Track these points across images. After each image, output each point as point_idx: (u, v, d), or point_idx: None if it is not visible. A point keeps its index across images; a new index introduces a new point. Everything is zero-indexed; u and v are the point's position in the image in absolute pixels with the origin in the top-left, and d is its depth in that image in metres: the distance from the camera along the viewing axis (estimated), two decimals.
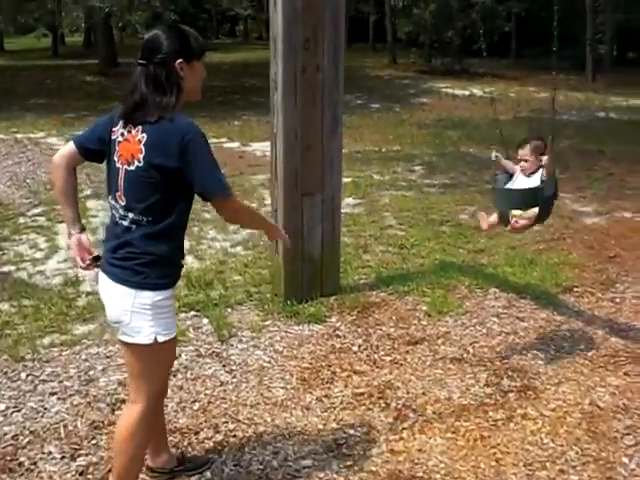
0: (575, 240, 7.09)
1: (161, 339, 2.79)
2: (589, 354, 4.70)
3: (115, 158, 2.76)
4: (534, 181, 4.42)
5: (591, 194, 9.08)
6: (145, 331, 2.76)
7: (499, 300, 5.51)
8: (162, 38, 2.70)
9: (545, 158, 4.41)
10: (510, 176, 4.59)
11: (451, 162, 11.14)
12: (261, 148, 12.17)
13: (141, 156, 2.64)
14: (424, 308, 5.31)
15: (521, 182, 4.50)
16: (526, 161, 4.48)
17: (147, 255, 2.72)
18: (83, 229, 2.98)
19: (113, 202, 2.80)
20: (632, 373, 4.46)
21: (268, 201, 8.53)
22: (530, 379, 4.34)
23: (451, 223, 7.69)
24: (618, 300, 5.61)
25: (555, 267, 6.21)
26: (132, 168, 2.68)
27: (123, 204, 2.73)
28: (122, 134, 2.73)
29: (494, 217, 4.63)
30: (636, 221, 7.85)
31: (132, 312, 2.74)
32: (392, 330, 4.95)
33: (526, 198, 4.37)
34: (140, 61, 2.72)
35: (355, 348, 4.68)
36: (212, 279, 5.79)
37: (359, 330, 4.94)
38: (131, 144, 2.68)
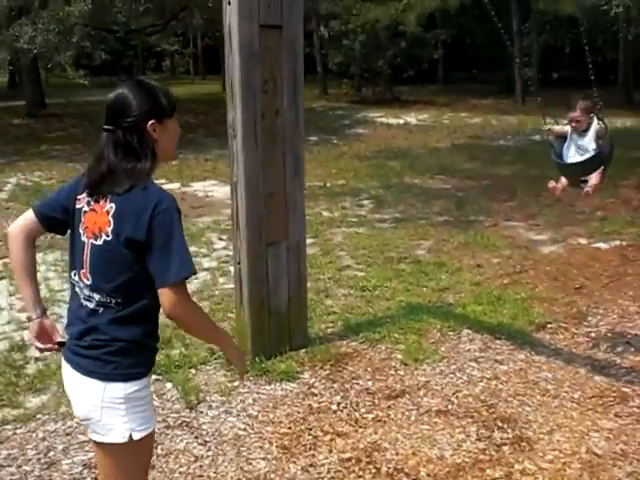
0: (538, 272, 6.98)
1: (137, 436, 2.41)
2: (575, 396, 4.53)
3: (80, 230, 2.43)
4: (588, 139, 4.69)
5: (544, 221, 9.03)
6: (119, 428, 2.38)
7: (474, 342, 5.31)
8: (130, 98, 2.38)
9: (596, 121, 4.71)
10: (564, 139, 4.84)
11: (398, 195, 11.01)
12: (202, 188, 11.88)
13: (109, 229, 2.33)
14: (399, 356, 5.06)
15: (576, 141, 4.77)
16: (578, 121, 4.71)
17: (117, 342, 2.36)
18: (45, 311, 2.59)
19: (77, 279, 2.45)
20: (622, 414, 4.30)
21: (217, 245, 8.28)
22: (521, 429, 4.13)
23: (409, 260, 7.50)
24: (593, 335, 5.48)
25: (524, 303, 6.05)
26: (99, 243, 2.36)
27: (89, 283, 2.40)
28: (88, 203, 2.41)
29: (563, 182, 4.94)
30: (593, 248, 7.81)
31: (102, 408, 2.37)
32: (370, 383, 4.68)
33: (590, 166, 4.66)
34: (106, 127, 2.40)
35: (334, 407, 4.40)
36: (170, 336, 5.41)
37: (335, 386, 4.66)
38: (98, 215, 2.36)
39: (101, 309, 2.38)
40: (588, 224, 8.80)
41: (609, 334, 5.49)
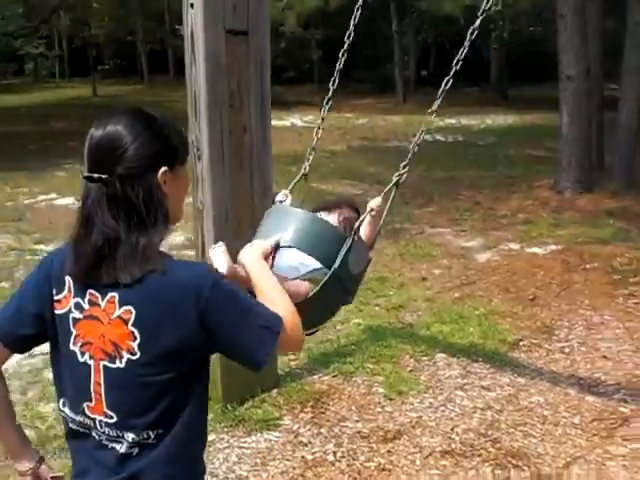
0: (487, 283, 6.73)
1: None
2: (576, 421, 4.29)
3: (72, 348, 1.69)
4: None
5: (469, 227, 8.87)
6: None
7: (452, 368, 4.97)
8: (129, 137, 1.63)
9: (364, 229, 2.72)
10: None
11: (313, 203, 10.56)
12: None
13: (135, 345, 1.62)
14: (380, 390, 4.65)
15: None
16: None
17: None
18: (41, 459, 1.89)
19: (76, 416, 1.73)
20: (629, 437, 4.11)
21: None
22: (536, 464, 3.84)
23: None
24: (567, 350, 5.28)
25: (487, 319, 5.77)
26: (120, 365, 1.64)
27: (112, 422, 1.67)
28: (78, 306, 1.67)
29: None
30: (529, 254, 7.68)
31: None
32: (359, 425, 4.25)
33: (324, 242, 2.51)
34: (93, 174, 1.62)
35: (330, 457, 3.93)
36: None
37: (323, 431, 4.19)
38: (105, 326, 1.64)
39: (136, 449, 1.68)
40: (514, 228, 8.72)
41: (582, 348, 5.30)
